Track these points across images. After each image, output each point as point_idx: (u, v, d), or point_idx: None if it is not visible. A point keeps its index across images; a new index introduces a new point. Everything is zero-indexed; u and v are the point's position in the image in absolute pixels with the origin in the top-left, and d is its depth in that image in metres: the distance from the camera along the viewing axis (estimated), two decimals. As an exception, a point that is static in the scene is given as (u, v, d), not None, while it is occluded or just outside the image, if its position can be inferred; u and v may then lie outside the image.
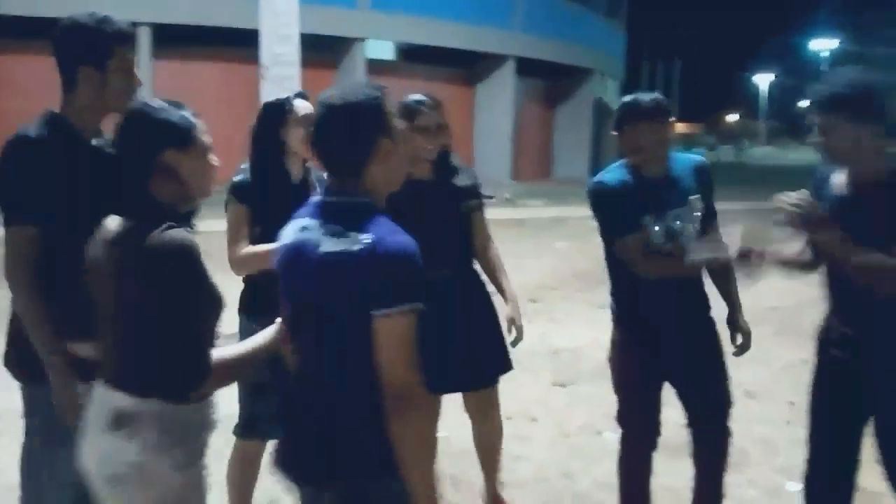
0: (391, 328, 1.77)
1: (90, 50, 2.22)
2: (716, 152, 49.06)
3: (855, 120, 2.45)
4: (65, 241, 2.15)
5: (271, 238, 2.71)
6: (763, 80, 74.52)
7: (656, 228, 2.89)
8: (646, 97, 2.92)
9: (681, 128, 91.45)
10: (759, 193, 21.79)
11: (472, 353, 3.17)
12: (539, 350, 5.86)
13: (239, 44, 18.29)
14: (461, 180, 3.21)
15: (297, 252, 1.89)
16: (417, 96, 3.12)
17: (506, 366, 3.31)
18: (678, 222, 2.90)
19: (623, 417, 3.16)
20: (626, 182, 2.93)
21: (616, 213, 2.91)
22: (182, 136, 1.91)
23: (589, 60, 26.11)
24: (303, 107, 2.91)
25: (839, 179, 2.67)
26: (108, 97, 2.25)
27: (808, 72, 59.40)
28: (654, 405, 3.12)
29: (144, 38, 17.95)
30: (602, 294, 6.67)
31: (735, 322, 3.23)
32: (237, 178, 2.95)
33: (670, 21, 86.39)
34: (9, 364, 2.34)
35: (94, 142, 2.31)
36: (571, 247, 10.92)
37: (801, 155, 53.42)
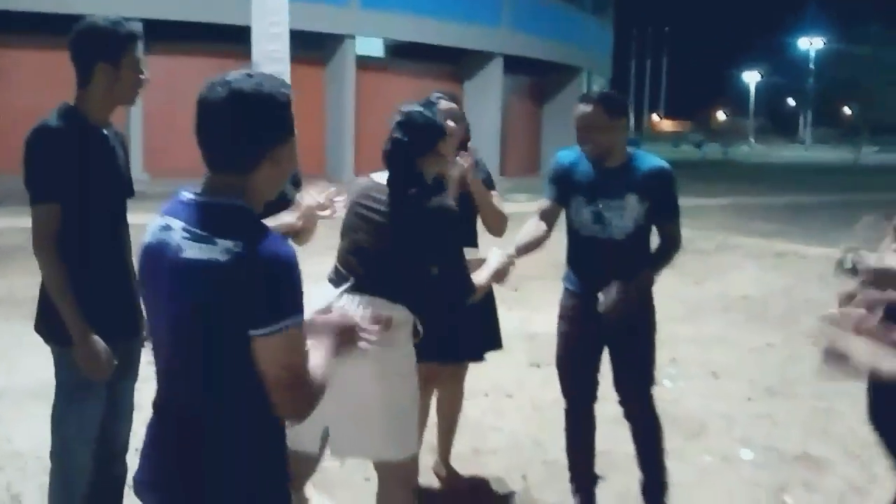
0: (272, 349, 1.58)
1: (106, 48, 2.49)
2: (702, 150, 49.44)
3: None
4: (84, 217, 2.48)
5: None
6: (751, 78, 74.92)
7: (584, 209, 3.19)
8: (597, 92, 3.26)
9: (668, 125, 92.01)
10: (744, 190, 22.05)
11: (472, 328, 3.45)
12: (517, 334, 6.12)
13: (229, 39, 18.48)
14: (478, 173, 3.47)
15: (157, 255, 1.67)
16: (446, 103, 3.39)
17: (499, 344, 3.62)
18: (607, 212, 3.16)
19: (563, 378, 3.43)
20: (574, 162, 3.26)
21: (550, 182, 3.32)
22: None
23: (576, 58, 26.37)
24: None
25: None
26: (120, 91, 2.53)
27: (795, 70, 59.82)
28: (592, 366, 3.36)
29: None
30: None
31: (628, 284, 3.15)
32: None
33: (658, 19, 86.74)
34: (39, 329, 2.61)
35: (104, 131, 2.59)
36: (553, 238, 11.19)
37: (789, 152, 53.93)
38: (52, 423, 2.64)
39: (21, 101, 14.78)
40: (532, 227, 3.28)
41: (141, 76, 2.58)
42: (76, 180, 2.46)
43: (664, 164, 3.27)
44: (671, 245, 3.27)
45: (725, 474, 3.89)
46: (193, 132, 1.70)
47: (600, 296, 3.06)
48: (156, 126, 18.95)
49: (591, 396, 3.42)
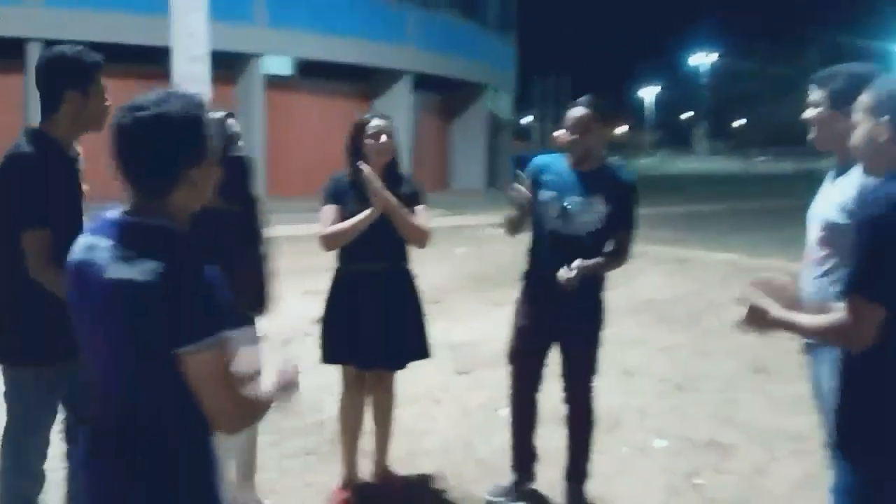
0: (199, 365, 1.62)
1: (75, 76, 2.62)
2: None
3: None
4: (68, 238, 2.53)
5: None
6: (648, 93, 77.59)
7: (550, 204, 3.48)
8: (588, 99, 3.52)
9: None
10: (645, 201, 22.93)
11: (397, 337, 3.65)
12: (441, 344, 6.32)
13: (146, 61, 18.21)
14: (405, 188, 3.69)
15: (83, 274, 1.70)
16: (377, 120, 3.68)
17: (425, 353, 3.82)
18: (572, 208, 3.45)
19: (512, 356, 3.70)
20: (549, 163, 3.57)
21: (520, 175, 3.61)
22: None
23: (482, 75, 26.93)
24: (231, 125, 3.33)
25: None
26: (87, 118, 2.66)
27: (690, 84, 62.36)
28: (542, 358, 3.65)
29: (36, 55, 17.66)
30: (496, 294, 7.40)
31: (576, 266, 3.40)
32: None
33: (560, 37, 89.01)
34: None
35: (70, 153, 2.73)
36: (469, 252, 11.51)
37: (685, 164, 56.08)
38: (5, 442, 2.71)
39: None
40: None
41: (106, 103, 2.69)
42: (56, 204, 2.57)
43: (634, 178, 3.58)
44: (621, 253, 3.54)
45: (641, 463, 4.20)
46: (111, 157, 1.71)
47: (562, 270, 3.31)
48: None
49: (536, 386, 3.70)
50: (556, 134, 3.57)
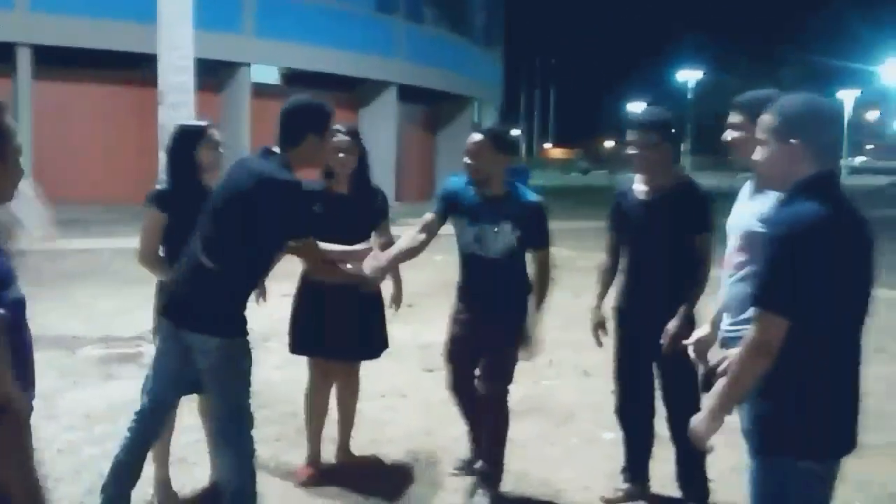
0: None
1: (317, 122, 3.22)
2: (587, 176, 51.31)
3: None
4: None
5: (182, 242, 3.46)
6: (635, 108, 78.08)
7: (467, 230, 3.77)
8: (491, 127, 3.88)
9: (558, 153, 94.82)
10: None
11: (361, 331, 3.97)
12: (411, 344, 6.66)
13: (125, 66, 18.47)
14: (373, 202, 4.04)
15: None
16: (336, 125, 3.91)
17: (385, 345, 4.13)
18: (484, 234, 3.72)
19: (448, 359, 4.01)
20: (462, 188, 3.82)
21: (439, 198, 3.90)
22: None
23: (468, 88, 27.30)
24: (215, 133, 3.66)
25: (639, 188, 3.73)
26: (318, 157, 3.34)
27: (675, 100, 62.83)
28: (472, 361, 3.88)
29: (24, 60, 17.88)
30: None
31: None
32: (158, 188, 3.63)
33: (546, 51, 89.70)
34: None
35: None
36: (447, 260, 11.76)
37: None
38: (227, 401, 3.10)
39: None
40: (408, 238, 3.83)
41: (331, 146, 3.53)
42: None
43: (538, 200, 3.80)
44: (544, 270, 3.79)
45: (589, 452, 4.51)
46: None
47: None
48: (47, 152, 18.62)
49: (470, 384, 3.93)
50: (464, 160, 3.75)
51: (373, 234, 4.03)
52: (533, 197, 3.80)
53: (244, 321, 3.11)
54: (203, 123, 3.69)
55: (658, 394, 3.83)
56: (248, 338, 3.12)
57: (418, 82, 24.48)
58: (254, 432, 4.55)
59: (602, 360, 6.57)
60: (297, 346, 4.02)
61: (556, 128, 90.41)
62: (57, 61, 17.96)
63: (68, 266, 10.56)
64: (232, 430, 3.12)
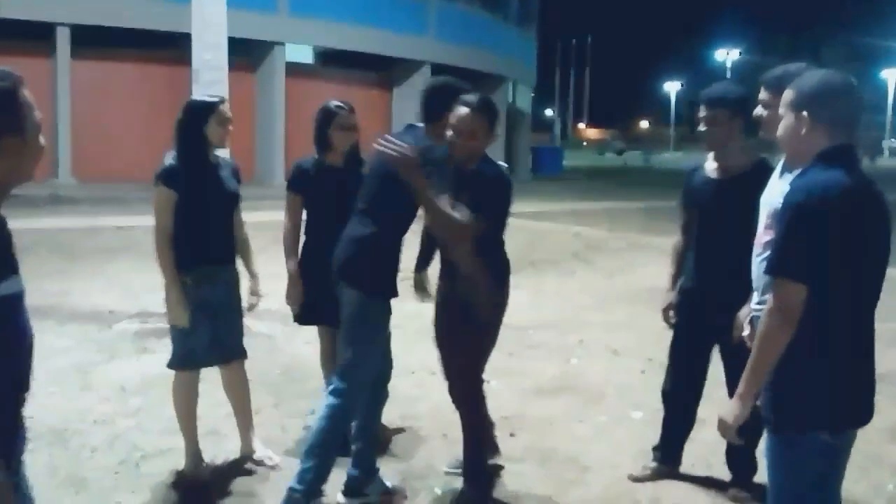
0: None
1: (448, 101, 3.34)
2: (623, 157, 50.88)
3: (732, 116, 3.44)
4: None
5: (191, 215, 3.50)
6: (672, 88, 77.31)
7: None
8: (478, 101, 3.30)
9: (593, 133, 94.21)
10: (660, 194, 23.11)
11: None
12: (442, 322, 6.68)
13: (160, 45, 18.65)
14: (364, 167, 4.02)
15: None
16: (336, 101, 4.00)
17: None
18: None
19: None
20: (432, 153, 3.34)
21: None
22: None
23: (501, 67, 27.16)
24: (226, 108, 3.66)
25: (711, 165, 3.60)
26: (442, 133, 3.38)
27: (713, 80, 62.00)
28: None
29: (63, 39, 18.12)
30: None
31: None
32: (166, 165, 3.61)
33: (581, 29, 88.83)
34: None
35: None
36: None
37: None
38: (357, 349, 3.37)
39: None
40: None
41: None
42: None
43: (498, 173, 3.36)
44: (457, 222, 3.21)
45: (618, 430, 4.50)
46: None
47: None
48: (85, 130, 18.89)
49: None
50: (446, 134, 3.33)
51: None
52: (496, 170, 3.38)
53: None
54: (214, 99, 3.70)
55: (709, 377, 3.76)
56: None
57: (451, 61, 24.39)
58: (282, 406, 4.67)
59: (633, 340, 6.62)
60: (300, 317, 4.09)
61: (591, 108, 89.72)
62: (94, 40, 18.18)
63: (104, 242, 10.74)
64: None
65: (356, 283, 3.39)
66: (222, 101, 3.70)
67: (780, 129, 2.33)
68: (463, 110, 3.24)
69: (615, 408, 4.85)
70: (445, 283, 3.55)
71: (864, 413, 2.26)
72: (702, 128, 3.53)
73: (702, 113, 3.52)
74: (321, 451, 3.33)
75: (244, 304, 3.89)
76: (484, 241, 3.33)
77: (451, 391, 3.63)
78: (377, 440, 3.78)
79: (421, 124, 3.42)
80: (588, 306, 7.81)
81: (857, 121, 2.27)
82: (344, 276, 3.42)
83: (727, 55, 61.33)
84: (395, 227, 3.39)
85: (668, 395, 3.88)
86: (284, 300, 4.04)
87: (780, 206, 2.37)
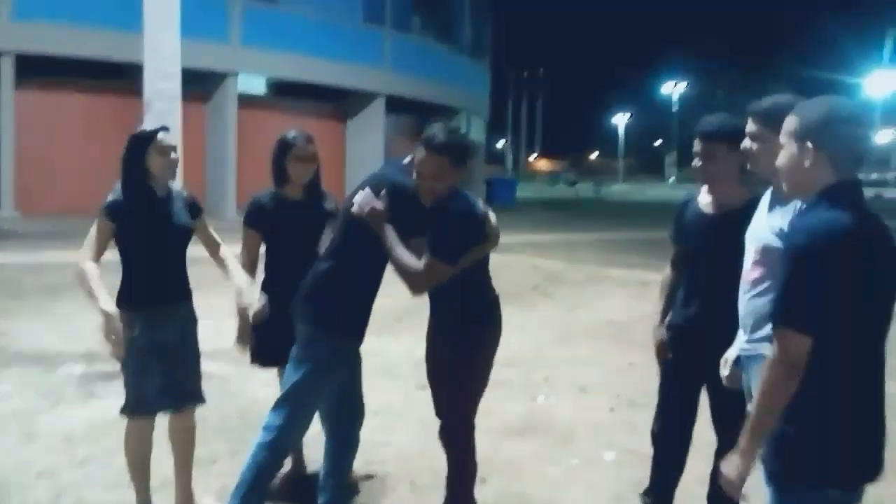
0: None
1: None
2: (576, 188, 51.34)
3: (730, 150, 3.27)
4: None
5: (133, 250, 3.34)
6: (620, 121, 78.60)
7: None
8: (443, 140, 3.19)
9: (544, 164, 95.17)
10: (613, 226, 23.26)
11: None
12: (405, 360, 6.49)
13: (108, 75, 18.27)
14: (327, 204, 3.89)
15: None
16: (293, 131, 3.83)
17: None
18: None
19: None
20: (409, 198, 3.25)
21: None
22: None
23: (455, 99, 27.28)
24: (165, 138, 3.46)
25: (704, 199, 3.48)
26: None
27: (661, 112, 63.23)
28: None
29: (7, 68, 17.65)
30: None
31: None
32: (111, 198, 3.42)
33: (533, 63, 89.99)
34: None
35: None
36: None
37: (655, 191, 56.82)
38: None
39: None
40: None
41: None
42: None
43: (465, 209, 3.23)
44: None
45: (590, 473, 4.35)
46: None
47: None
48: (29, 162, 18.36)
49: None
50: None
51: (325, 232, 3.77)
52: (464, 205, 3.23)
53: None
54: (153, 129, 3.53)
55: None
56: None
57: (406, 93, 24.42)
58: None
59: (600, 376, 6.51)
60: (259, 358, 3.92)
61: (543, 140, 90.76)
62: (39, 70, 17.75)
63: (49, 279, 10.33)
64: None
65: (305, 317, 3.29)
66: (161, 129, 3.51)
67: (781, 160, 2.20)
68: (421, 152, 3.14)
69: (586, 449, 4.71)
70: (436, 318, 3.42)
71: (874, 466, 2.13)
72: (697, 163, 3.39)
73: (696, 147, 3.38)
74: (242, 492, 3.23)
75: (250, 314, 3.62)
76: (467, 279, 3.25)
77: (442, 431, 3.45)
78: (348, 491, 3.56)
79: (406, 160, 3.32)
80: (551, 341, 7.70)
81: (865, 152, 2.15)
82: (296, 311, 3.33)
83: (674, 87, 62.60)
84: (357, 265, 3.25)
85: (657, 437, 3.73)
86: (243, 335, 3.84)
87: (779, 246, 2.28)
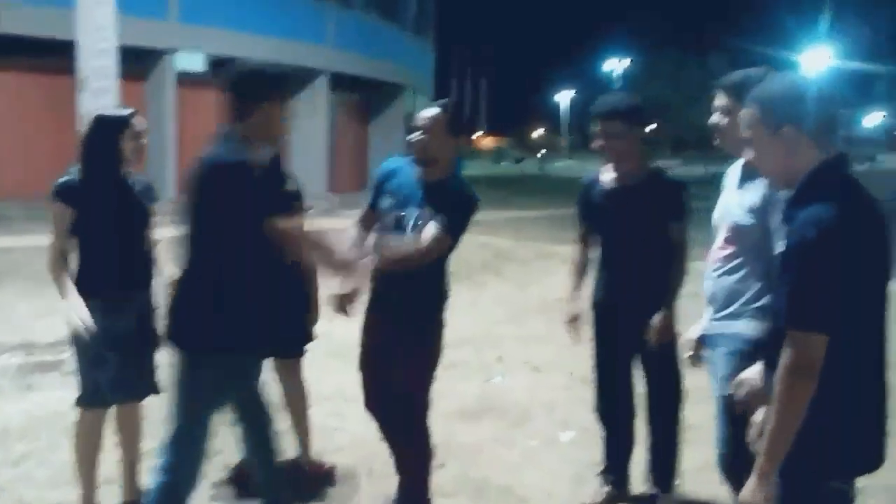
0: None
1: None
2: (520, 165, 51.47)
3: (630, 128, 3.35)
4: None
5: (96, 236, 3.17)
6: (564, 98, 78.96)
7: (389, 213, 3.30)
8: (443, 103, 3.36)
9: (489, 142, 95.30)
10: (559, 202, 23.45)
11: (282, 327, 3.63)
12: (355, 343, 6.37)
13: (38, 54, 17.57)
14: (289, 186, 3.66)
15: None
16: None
17: (306, 341, 3.88)
18: (405, 216, 3.25)
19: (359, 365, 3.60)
20: (399, 168, 3.39)
21: (372, 188, 3.46)
22: None
23: (399, 76, 26.99)
24: (138, 122, 3.36)
25: (608, 177, 3.51)
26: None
27: (603, 89, 63.55)
28: (386, 373, 3.41)
29: (-70, 45, 16.87)
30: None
31: None
32: (63, 180, 3.27)
33: (477, 40, 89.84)
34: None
35: None
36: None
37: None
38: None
39: None
40: (355, 231, 3.43)
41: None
42: None
43: (464, 189, 3.32)
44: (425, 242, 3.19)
45: (548, 455, 4.32)
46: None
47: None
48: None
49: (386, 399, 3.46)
50: (409, 137, 3.31)
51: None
52: (463, 185, 3.34)
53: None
54: (126, 112, 3.38)
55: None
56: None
57: (349, 70, 24.06)
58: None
59: (552, 354, 6.48)
60: None
61: (487, 117, 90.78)
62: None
63: (-19, 265, 9.93)
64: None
65: (172, 338, 2.90)
66: (134, 114, 3.37)
67: (756, 153, 2.06)
68: (429, 110, 3.31)
69: (543, 429, 4.68)
70: (394, 302, 3.29)
71: (876, 457, 2.05)
72: (598, 142, 3.44)
73: (597, 127, 3.43)
74: None
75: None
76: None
77: (391, 420, 3.39)
78: (281, 483, 3.27)
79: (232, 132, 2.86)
80: (503, 320, 7.66)
81: (837, 122, 2.02)
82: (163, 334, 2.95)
83: (618, 64, 62.97)
84: (218, 265, 2.79)
85: (603, 414, 3.73)
86: None
87: (750, 223, 2.23)
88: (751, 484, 1.97)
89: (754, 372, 2.25)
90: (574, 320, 3.69)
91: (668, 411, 3.57)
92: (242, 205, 2.68)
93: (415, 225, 3.22)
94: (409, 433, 3.40)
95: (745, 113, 2.06)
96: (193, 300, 2.82)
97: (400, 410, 3.37)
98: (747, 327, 2.71)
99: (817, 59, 31.26)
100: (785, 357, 1.90)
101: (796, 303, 1.88)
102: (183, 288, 2.86)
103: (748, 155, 2.13)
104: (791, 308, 1.89)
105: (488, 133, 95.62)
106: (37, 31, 16.77)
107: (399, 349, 3.30)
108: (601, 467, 3.77)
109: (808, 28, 35.82)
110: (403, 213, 3.26)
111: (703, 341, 2.93)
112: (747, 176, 2.72)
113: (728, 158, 2.91)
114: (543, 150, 66.11)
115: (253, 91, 2.84)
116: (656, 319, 3.36)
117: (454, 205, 3.22)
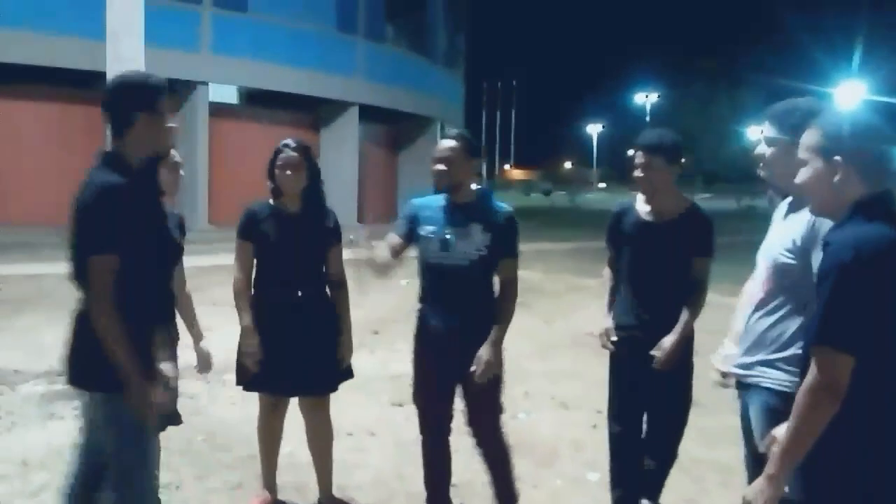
0: None
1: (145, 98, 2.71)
2: (550, 198, 51.36)
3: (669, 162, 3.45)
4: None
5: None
6: (594, 130, 79.07)
7: (432, 238, 3.46)
8: (460, 131, 3.61)
9: (518, 174, 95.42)
10: (589, 235, 23.28)
11: (311, 364, 3.60)
12: (379, 375, 6.30)
13: (75, 84, 17.90)
14: (327, 221, 3.73)
15: None
16: (290, 139, 3.72)
17: (338, 381, 3.78)
18: (452, 239, 3.43)
19: (420, 411, 3.64)
20: (428, 201, 3.58)
21: (402, 219, 3.61)
22: None
23: (429, 108, 27.13)
24: (175, 154, 3.43)
25: (643, 208, 3.58)
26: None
27: (632, 122, 63.46)
28: (448, 400, 3.58)
29: (-29, 76, 17.26)
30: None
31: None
32: None
33: (507, 73, 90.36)
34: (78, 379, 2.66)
35: None
36: (414, 284, 11.46)
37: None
38: (115, 462, 2.69)
39: None
40: (382, 254, 3.52)
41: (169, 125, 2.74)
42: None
43: (507, 208, 3.54)
44: (512, 283, 3.49)
45: (575, 496, 4.19)
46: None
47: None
48: (-7, 172, 17.92)
49: (446, 429, 3.63)
50: (432, 168, 3.51)
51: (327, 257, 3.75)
52: (504, 206, 3.56)
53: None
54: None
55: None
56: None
57: (379, 102, 24.24)
58: (207, 479, 4.21)
59: (580, 390, 6.35)
60: (247, 383, 3.72)
61: (517, 149, 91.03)
62: (4, 78, 17.36)
63: (12, 293, 10.01)
64: None
65: (77, 379, 2.70)
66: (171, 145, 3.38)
67: (806, 177, 2.12)
68: (445, 142, 3.47)
69: (570, 469, 4.55)
70: (465, 317, 3.46)
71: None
72: (638, 173, 3.52)
73: (638, 159, 3.52)
74: None
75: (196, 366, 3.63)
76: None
77: (487, 433, 3.58)
78: None
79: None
80: (529, 354, 7.53)
81: (890, 162, 2.05)
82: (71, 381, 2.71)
83: (646, 98, 62.99)
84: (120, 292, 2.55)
85: (615, 446, 3.78)
86: (240, 358, 3.67)
87: (790, 263, 2.15)
88: (757, 484, 2.01)
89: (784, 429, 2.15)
90: (609, 332, 3.75)
91: (669, 435, 3.64)
92: (111, 230, 2.49)
93: (465, 241, 3.42)
94: (497, 439, 3.61)
95: (808, 135, 2.11)
96: (92, 336, 2.54)
97: (488, 431, 3.57)
98: (781, 381, 2.57)
99: (852, 93, 30.94)
100: (810, 375, 1.92)
101: (827, 321, 1.91)
102: (81, 324, 2.62)
103: (798, 178, 2.15)
104: (821, 325, 1.92)
105: (517, 165, 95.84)
106: (71, 62, 17.10)
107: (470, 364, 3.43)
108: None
109: (837, 62, 35.56)
110: (448, 236, 3.42)
111: (737, 385, 2.81)
112: (793, 208, 2.61)
113: (760, 192, 2.85)
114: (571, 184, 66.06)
115: (126, 104, 2.64)
116: (667, 340, 3.42)
117: (505, 224, 3.47)
